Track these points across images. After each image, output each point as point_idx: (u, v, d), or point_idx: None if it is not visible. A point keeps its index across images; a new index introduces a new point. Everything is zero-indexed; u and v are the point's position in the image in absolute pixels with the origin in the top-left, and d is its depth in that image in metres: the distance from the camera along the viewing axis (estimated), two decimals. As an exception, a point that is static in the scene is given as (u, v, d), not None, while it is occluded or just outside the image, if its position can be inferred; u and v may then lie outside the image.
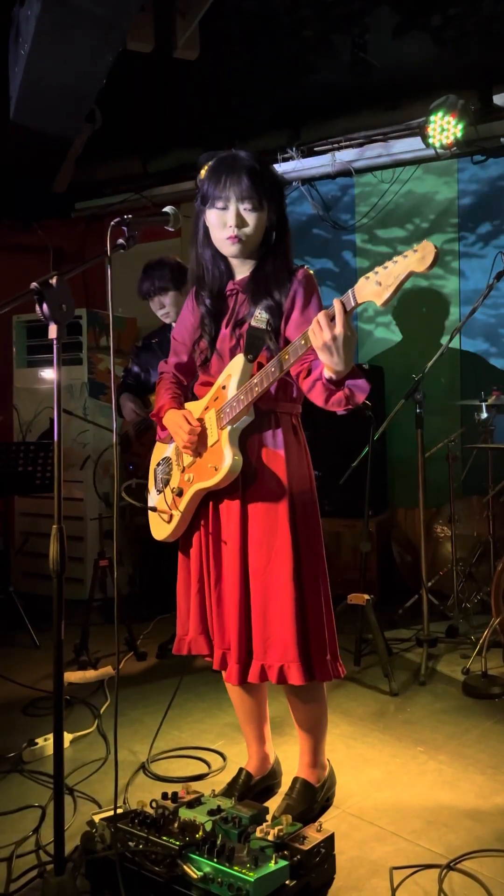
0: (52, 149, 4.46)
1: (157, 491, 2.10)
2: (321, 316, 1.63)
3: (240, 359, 1.91)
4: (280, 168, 4.74)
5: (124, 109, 4.38)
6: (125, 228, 1.68)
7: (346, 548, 4.21)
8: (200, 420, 1.98)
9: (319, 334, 1.63)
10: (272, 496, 1.92)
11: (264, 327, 1.90)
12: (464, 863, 1.80)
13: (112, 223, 1.66)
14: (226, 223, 1.90)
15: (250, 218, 1.90)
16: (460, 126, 4.01)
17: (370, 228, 4.78)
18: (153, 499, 2.12)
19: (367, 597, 3.09)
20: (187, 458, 2.01)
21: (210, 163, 1.93)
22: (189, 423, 1.96)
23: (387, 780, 2.25)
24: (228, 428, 1.90)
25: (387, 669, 2.99)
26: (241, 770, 2.15)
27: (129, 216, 1.68)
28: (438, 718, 2.69)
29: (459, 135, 4.04)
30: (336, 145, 4.56)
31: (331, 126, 4.53)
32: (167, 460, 2.11)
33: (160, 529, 2.08)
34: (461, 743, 2.48)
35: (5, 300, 1.58)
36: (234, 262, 2.02)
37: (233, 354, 1.96)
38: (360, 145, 4.52)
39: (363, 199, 4.80)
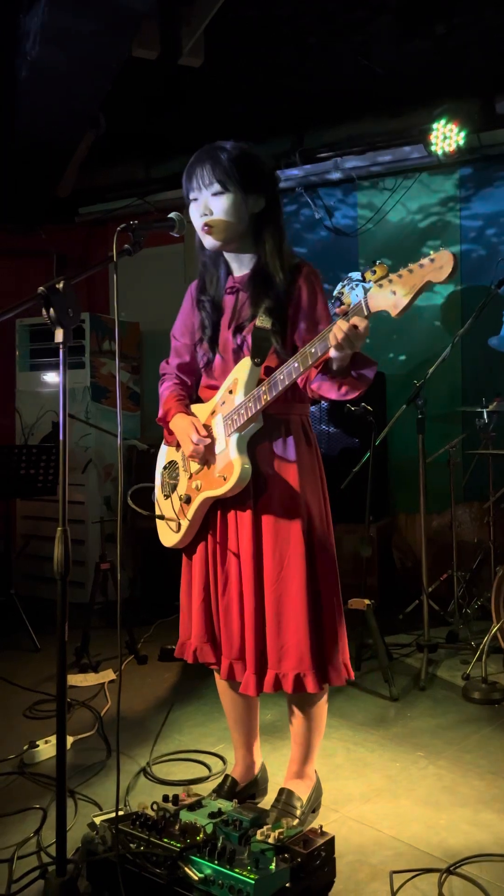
0: (56, 154, 4.49)
1: (165, 496, 2.07)
2: (344, 326, 1.61)
3: (246, 362, 1.87)
4: (283, 174, 4.77)
5: (128, 115, 4.41)
6: (131, 234, 1.69)
7: (347, 553, 4.21)
8: (207, 426, 1.95)
9: (346, 345, 1.62)
10: (284, 504, 1.89)
11: (269, 327, 1.86)
12: (464, 867, 1.80)
13: (118, 229, 1.65)
14: (199, 214, 1.88)
15: (216, 204, 1.85)
16: (463, 134, 4.04)
17: (373, 234, 4.80)
18: (160, 504, 2.10)
19: (367, 602, 3.10)
20: (195, 465, 1.97)
21: None
22: (197, 431, 1.92)
23: (387, 785, 2.25)
24: (236, 435, 1.87)
25: (387, 675, 2.99)
26: (226, 776, 2.15)
27: (135, 222, 1.69)
28: (438, 724, 2.70)
29: (462, 142, 4.07)
30: (339, 152, 4.59)
31: (334, 133, 4.56)
32: (174, 464, 2.07)
33: (168, 537, 2.05)
34: (461, 748, 2.49)
35: (10, 304, 1.59)
36: (230, 258, 1.98)
37: (237, 357, 1.93)
38: (363, 152, 4.55)
39: (366, 205, 4.83)
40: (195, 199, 1.89)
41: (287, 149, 4.67)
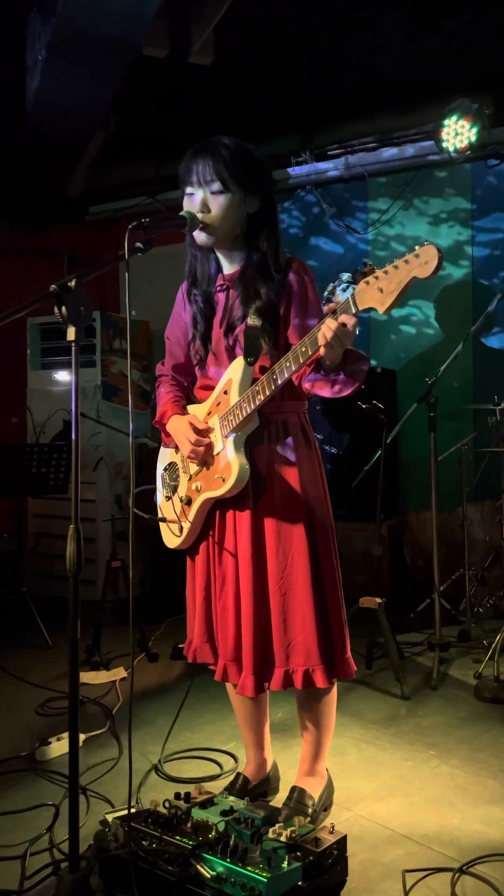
0: (66, 153, 4.50)
1: (166, 498, 2.07)
2: (332, 325, 1.59)
3: (240, 362, 1.86)
4: (293, 172, 4.76)
5: (138, 114, 4.42)
6: (142, 232, 1.68)
7: (358, 551, 4.21)
8: (204, 427, 1.94)
9: (336, 343, 1.60)
10: (286, 503, 1.89)
11: (260, 325, 1.85)
12: (476, 867, 1.79)
13: (130, 227, 1.64)
14: (195, 211, 1.85)
15: (215, 202, 1.83)
16: (474, 130, 4.02)
17: (383, 232, 4.79)
18: (162, 507, 2.09)
19: (378, 600, 3.09)
20: (194, 467, 1.96)
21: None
22: (195, 431, 1.91)
23: (399, 784, 2.25)
24: (233, 436, 1.86)
25: (398, 673, 2.98)
26: (238, 774, 2.15)
27: (147, 220, 1.68)
28: (450, 722, 2.69)
29: (473, 139, 4.05)
30: (349, 149, 4.57)
31: (344, 130, 4.55)
32: (173, 465, 2.06)
33: (171, 539, 2.05)
34: (473, 747, 2.48)
35: (23, 303, 1.59)
36: (221, 256, 1.96)
37: (230, 355, 1.92)
38: (374, 149, 4.53)
39: (376, 203, 4.81)
40: (192, 194, 1.86)
41: (297, 147, 4.66)
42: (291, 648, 1.86)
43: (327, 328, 1.60)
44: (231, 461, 1.85)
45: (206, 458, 1.92)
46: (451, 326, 4.59)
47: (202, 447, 1.91)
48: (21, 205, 5.27)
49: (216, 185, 1.82)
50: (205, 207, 1.84)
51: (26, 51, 3.68)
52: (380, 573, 3.96)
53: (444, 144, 4.10)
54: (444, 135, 4.08)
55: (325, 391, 1.76)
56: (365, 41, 3.78)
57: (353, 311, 1.57)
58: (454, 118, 4.02)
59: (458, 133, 4.05)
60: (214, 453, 1.91)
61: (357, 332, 1.61)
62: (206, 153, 1.83)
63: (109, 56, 3.29)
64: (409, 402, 3.38)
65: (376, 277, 1.53)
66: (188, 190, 1.87)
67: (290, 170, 4.74)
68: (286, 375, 1.72)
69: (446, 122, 4.05)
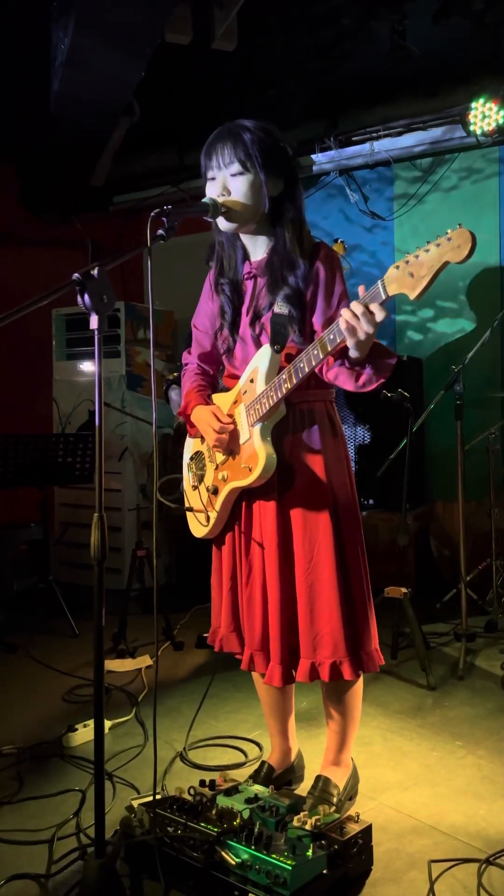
0: (90, 143, 4.49)
1: (192, 487, 2.06)
2: (357, 308, 1.57)
3: (266, 350, 1.84)
4: (317, 159, 4.71)
5: (161, 102, 4.40)
6: (164, 219, 1.67)
7: (384, 541, 4.18)
8: (231, 416, 1.92)
9: (358, 327, 1.57)
10: (311, 493, 1.87)
11: (287, 313, 1.83)
12: (503, 858, 1.78)
13: (152, 214, 1.63)
14: (216, 194, 1.83)
15: (234, 183, 1.81)
16: (502, 112, 3.94)
17: (409, 218, 4.72)
18: (188, 496, 2.09)
19: (404, 590, 3.06)
20: (220, 456, 1.96)
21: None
22: (219, 420, 1.90)
23: (425, 774, 2.23)
24: (259, 425, 1.84)
25: (424, 663, 2.96)
26: (263, 763, 2.15)
27: (169, 207, 1.67)
28: (477, 713, 2.66)
29: (502, 121, 3.97)
30: (374, 134, 4.51)
31: (369, 115, 4.48)
32: (199, 455, 2.06)
33: (198, 529, 2.05)
34: (500, 738, 2.45)
35: (47, 291, 1.59)
36: (247, 241, 1.94)
37: (257, 344, 1.90)
38: (399, 134, 4.46)
39: (402, 189, 4.75)
40: (213, 178, 1.84)
41: (321, 133, 4.60)
42: (318, 640, 1.85)
43: (350, 313, 1.57)
44: (258, 450, 1.84)
45: (231, 447, 1.91)
46: (478, 313, 4.52)
47: (226, 435, 1.90)
48: (46, 195, 5.29)
49: (235, 167, 1.80)
50: (225, 190, 1.82)
51: (51, 38, 3.67)
52: (406, 563, 3.94)
53: (472, 128, 4.02)
54: (471, 118, 4.00)
55: (349, 384, 1.74)
56: (390, 23, 3.71)
57: (383, 296, 1.54)
58: (481, 100, 3.95)
59: (485, 116, 3.97)
60: (241, 442, 1.89)
61: (384, 319, 1.58)
62: (226, 136, 1.81)
63: (133, 41, 3.26)
64: (436, 390, 3.34)
65: (406, 262, 1.49)
66: (209, 174, 1.85)
67: (314, 156, 4.69)
68: (314, 364, 1.70)
69: (473, 104, 3.97)
